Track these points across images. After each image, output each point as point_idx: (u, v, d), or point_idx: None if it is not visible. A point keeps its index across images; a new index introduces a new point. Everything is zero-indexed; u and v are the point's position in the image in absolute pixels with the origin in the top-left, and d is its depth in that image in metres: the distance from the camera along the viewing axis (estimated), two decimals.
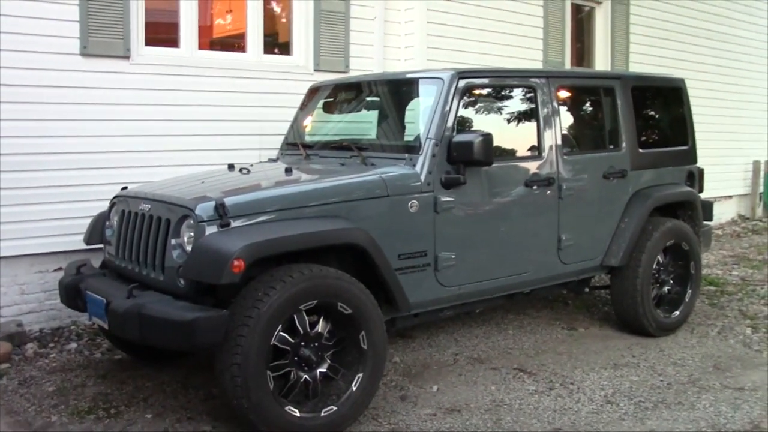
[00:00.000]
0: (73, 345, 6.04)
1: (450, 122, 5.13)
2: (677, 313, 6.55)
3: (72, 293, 4.99)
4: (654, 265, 6.34)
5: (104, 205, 5.42)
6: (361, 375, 4.50)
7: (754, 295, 7.93)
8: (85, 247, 5.56)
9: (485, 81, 5.60)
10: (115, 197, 5.28)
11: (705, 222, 7.02)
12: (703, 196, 7.06)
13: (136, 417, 4.70)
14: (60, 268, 6.18)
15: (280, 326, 4.17)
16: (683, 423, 4.68)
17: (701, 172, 7.04)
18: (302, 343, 4.33)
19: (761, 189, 14.15)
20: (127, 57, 6.52)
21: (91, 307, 4.73)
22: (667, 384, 5.34)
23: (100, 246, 5.37)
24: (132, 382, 5.27)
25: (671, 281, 6.62)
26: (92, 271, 5.20)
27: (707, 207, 7.08)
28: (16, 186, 6.06)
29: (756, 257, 10.14)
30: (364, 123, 6.04)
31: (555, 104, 5.83)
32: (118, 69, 6.50)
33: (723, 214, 13.01)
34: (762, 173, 14.04)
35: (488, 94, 5.67)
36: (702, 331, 6.62)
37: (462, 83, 5.25)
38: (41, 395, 5.04)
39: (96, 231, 5.35)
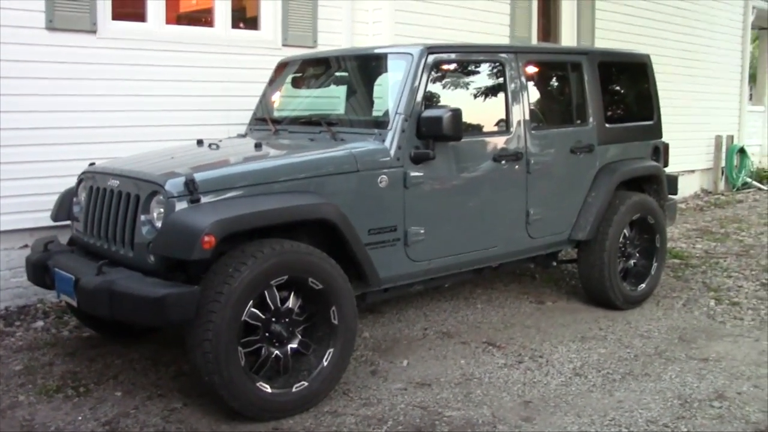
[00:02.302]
0: (40, 323, 5.98)
1: (419, 97, 5.12)
2: (643, 286, 6.65)
3: (40, 270, 4.94)
4: (620, 239, 6.41)
5: (71, 182, 5.36)
6: (332, 350, 4.51)
7: (717, 267, 8.05)
8: (51, 223, 5.51)
9: (454, 56, 5.61)
10: (82, 173, 5.22)
11: (670, 196, 7.11)
12: (667, 170, 7.14)
13: (106, 395, 4.67)
14: (26, 246, 6.11)
15: (251, 302, 4.16)
16: (650, 394, 4.75)
17: (666, 146, 7.11)
18: (273, 319, 4.33)
19: (723, 163, 14.37)
20: (93, 31, 6.42)
21: (59, 284, 4.69)
22: (634, 356, 5.42)
23: (68, 223, 5.32)
24: (101, 359, 5.23)
25: (637, 255, 6.70)
26: (60, 247, 5.14)
27: (672, 181, 7.18)
28: None
29: (719, 230, 10.29)
30: (332, 98, 6.01)
31: (523, 79, 5.85)
32: (85, 43, 6.40)
33: (686, 188, 13.19)
34: (724, 148, 14.25)
35: (457, 70, 5.67)
36: (667, 303, 6.71)
37: (431, 58, 5.25)
38: (8, 374, 4.98)
39: (63, 207, 5.29)
